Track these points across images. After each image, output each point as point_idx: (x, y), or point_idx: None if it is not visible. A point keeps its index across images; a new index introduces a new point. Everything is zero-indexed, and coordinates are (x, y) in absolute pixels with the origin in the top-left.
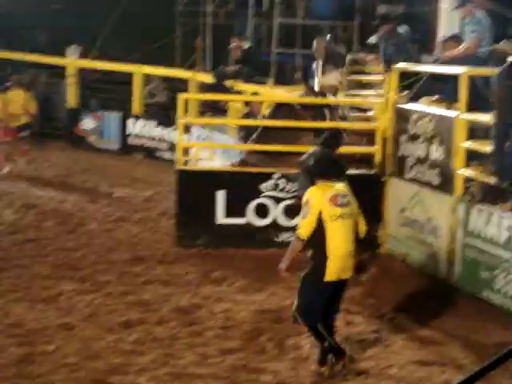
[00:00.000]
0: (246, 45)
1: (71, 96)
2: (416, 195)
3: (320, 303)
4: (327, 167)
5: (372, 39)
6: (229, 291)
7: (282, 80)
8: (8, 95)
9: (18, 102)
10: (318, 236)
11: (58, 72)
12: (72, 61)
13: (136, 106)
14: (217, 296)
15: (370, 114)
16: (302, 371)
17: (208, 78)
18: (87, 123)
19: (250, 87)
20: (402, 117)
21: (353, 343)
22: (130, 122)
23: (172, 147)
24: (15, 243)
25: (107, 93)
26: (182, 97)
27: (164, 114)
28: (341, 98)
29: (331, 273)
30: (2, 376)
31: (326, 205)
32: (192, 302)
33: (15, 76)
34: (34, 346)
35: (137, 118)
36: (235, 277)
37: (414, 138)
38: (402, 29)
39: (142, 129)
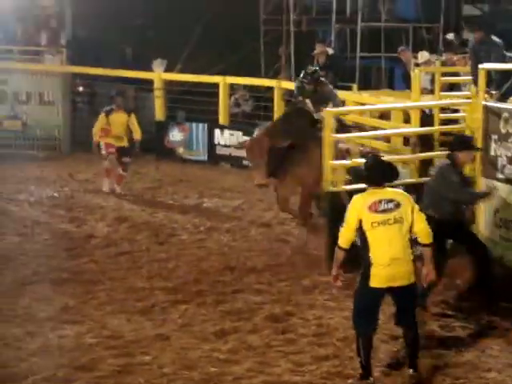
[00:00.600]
0: (330, 50)
1: (159, 109)
2: (510, 195)
3: (368, 311)
4: (373, 173)
5: (450, 36)
6: (321, 298)
7: (367, 84)
8: (110, 118)
9: (121, 125)
10: (363, 243)
11: (146, 86)
12: (158, 74)
13: (222, 116)
14: (309, 303)
15: (459, 114)
16: (396, 377)
17: (292, 86)
18: (175, 135)
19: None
20: (492, 116)
21: (449, 347)
22: (216, 132)
23: None
24: (109, 256)
25: (193, 104)
26: (328, 113)
27: (250, 122)
28: (430, 100)
29: (376, 279)
30: None
31: (364, 212)
32: (284, 310)
33: (119, 97)
34: (131, 356)
35: (223, 128)
36: (326, 284)
37: (505, 137)
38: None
39: (228, 138)
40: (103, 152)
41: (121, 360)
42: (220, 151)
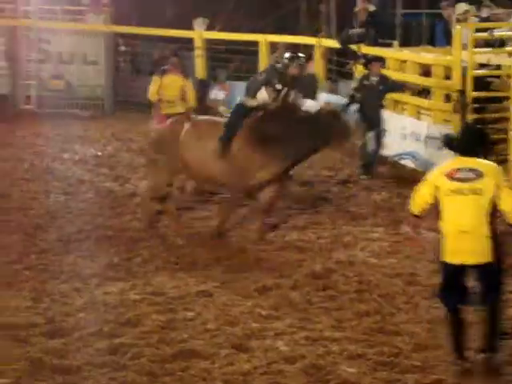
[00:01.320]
0: (371, 7)
1: (199, 68)
2: None
3: (449, 284)
4: (464, 140)
5: None
6: (361, 255)
7: (409, 41)
8: (164, 79)
9: (175, 89)
10: (438, 212)
11: (187, 45)
12: (199, 33)
13: None
14: (350, 260)
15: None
16: (437, 333)
17: (333, 43)
18: (216, 94)
19: (375, 50)
20: None
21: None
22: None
23: None
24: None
25: (234, 63)
26: None
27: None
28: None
29: (447, 253)
30: (146, 342)
31: (441, 179)
32: (325, 267)
33: (174, 58)
34: (174, 312)
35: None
36: (367, 241)
37: None
38: None
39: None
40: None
41: (164, 316)
42: None
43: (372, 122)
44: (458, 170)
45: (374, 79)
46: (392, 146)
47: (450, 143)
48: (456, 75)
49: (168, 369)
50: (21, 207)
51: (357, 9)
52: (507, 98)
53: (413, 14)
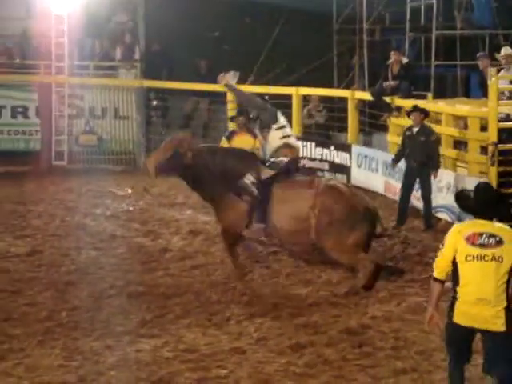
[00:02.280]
0: (405, 59)
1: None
2: None
3: (455, 344)
4: (483, 204)
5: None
6: (397, 311)
7: (443, 93)
8: (233, 142)
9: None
10: (454, 275)
11: (219, 99)
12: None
13: (295, 127)
14: (385, 316)
15: None
16: None
17: (366, 96)
18: None
19: (409, 102)
20: None
21: None
22: None
23: (332, 167)
24: (184, 269)
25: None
26: None
27: (323, 134)
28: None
29: (459, 316)
30: None
31: (461, 243)
32: (361, 323)
33: (241, 118)
34: (207, 370)
35: (296, 139)
36: (403, 296)
37: None
38: None
39: (302, 150)
40: None
41: (197, 374)
42: None
43: (416, 175)
44: (479, 234)
45: (415, 129)
46: None
47: (463, 203)
48: (492, 127)
49: None
50: (52, 264)
51: (390, 61)
52: None
53: (447, 66)
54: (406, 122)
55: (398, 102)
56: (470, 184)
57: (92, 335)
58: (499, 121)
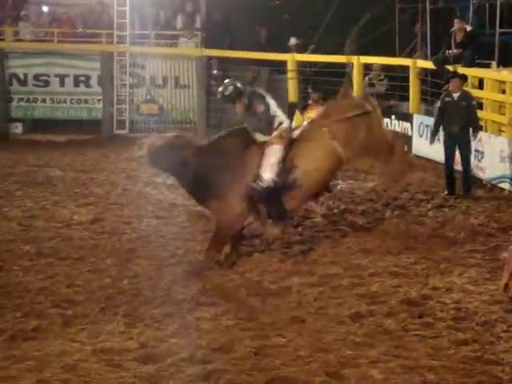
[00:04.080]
0: (468, 27)
1: (292, 90)
2: None
3: None
4: None
5: None
6: (459, 281)
7: (507, 61)
8: (305, 115)
9: None
10: None
11: (280, 68)
12: (292, 55)
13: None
14: (447, 286)
15: None
16: None
17: (429, 65)
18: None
19: (472, 71)
20: None
21: None
22: None
23: None
24: (244, 238)
25: (327, 85)
26: None
27: (385, 103)
28: None
29: None
30: (238, 369)
31: None
32: (421, 293)
33: (315, 94)
34: (267, 339)
35: None
36: (464, 267)
37: None
38: None
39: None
40: None
41: (257, 342)
42: None
43: (458, 140)
44: None
45: (456, 95)
46: (490, 169)
47: None
48: None
49: None
50: (114, 232)
51: (453, 29)
52: None
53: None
54: (469, 90)
55: (462, 70)
56: None
57: (153, 303)
58: None
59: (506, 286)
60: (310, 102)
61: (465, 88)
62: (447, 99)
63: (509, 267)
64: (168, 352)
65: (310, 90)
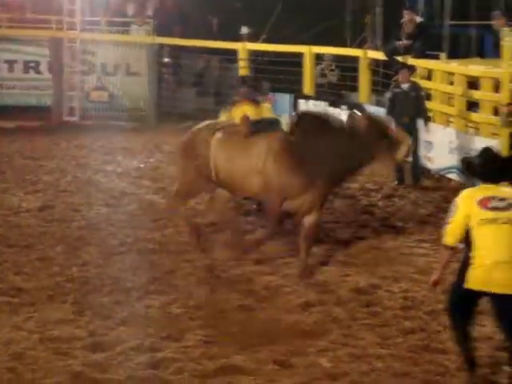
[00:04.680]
0: (418, 18)
1: None
2: None
3: (460, 309)
4: (489, 169)
5: None
6: (407, 271)
7: (457, 53)
8: (233, 114)
9: None
10: (468, 240)
11: (230, 56)
12: (243, 44)
13: (307, 86)
14: (395, 276)
15: None
16: (484, 352)
17: (379, 55)
18: None
19: (422, 62)
20: None
21: None
22: (301, 102)
23: None
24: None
25: (278, 74)
26: None
27: (335, 93)
28: None
29: (472, 281)
30: (188, 357)
31: (474, 208)
32: (369, 283)
33: (243, 89)
34: (216, 327)
35: (308, 98)
36: (412, 256)
37: None
38: None
39: (313, 109)
40: None
41: (206, 330)
42: None
43: (407, 131)
44: (491, 198)
45: (405, 86)
46: (439, 160)
47: (469, 169)
48: (505, 88)
49: None
50: (63, 219)
51: (403, 20)
52: None
53: (461, 26)
54: (418, 81)
55: (411, 61)
56: (481, 145)
57: (102, 291)
58: None
59: (435, 283)
60: (237, 98)
61: (413, 79)
62: (397, 90)
63: (441, 263)
64: (117, 340)
65: (238, 83)
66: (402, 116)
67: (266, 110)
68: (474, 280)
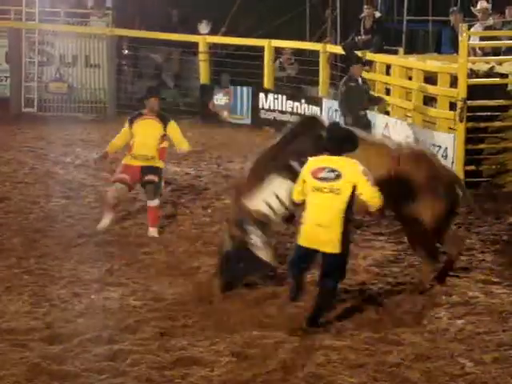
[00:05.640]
0: (377, 13)
1: (203, 72)
2: None
3: (297, 261)
4: (331, 140)
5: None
6: (364, 264)
7: (414, 48)
8: (135, 127)
9: (152, 138)
10: (303, 203)
11: (191, 49)
12: (203, 37)
13: (267, 79)
14: (352, 268)
15: None
16: (440, 343)
17: (338, 50)
18: (219, 99)
19: (380, 57)
20: None
21: (493, 314)
22: (261, 96)
23: None
24: None
25: (238, 68)
26: None
27: (295, 87)
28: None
29: (302, 238)
30: (145, 349)
31: (308, 176)
32: None
33: (152, 98)
34: (174, 319)
35: (268, 91)
36: (369, 250)
37: None
38: None
39: (273, 102)
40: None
41: (164, 322)
42: (264, 115)
43: (364, 123)
44: (322, 169)
45: (359, 80)
46: None
47: (322, 142)
48: (461, 83)
49: (167, 376)
50: (21, 211)
51: (363, 15)
52: None
53: (419, 21)
54: (377, 76)
55: (370, 56)
56: (439, 140)
57: (60, 283)
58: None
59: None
60: (144, 110)
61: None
62: (351, 84)
63: None
64: (74, 332)
65: (147, 96)
66: (358, 109)
67: (173, 129)
68: (303, 238)
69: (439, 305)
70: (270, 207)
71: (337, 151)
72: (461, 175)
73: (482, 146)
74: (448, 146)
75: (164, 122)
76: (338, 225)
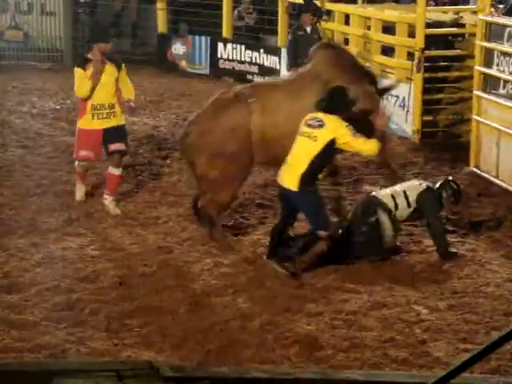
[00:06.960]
0: None
1: (161, 21)
2: None
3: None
4: (327, 100)
5: None
6: None
7: None
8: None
9: (107, 85)
10: None
11: None
12: None
13: (225, 29)
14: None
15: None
16: (396, 291)
17: None
18: (177, 48)
19: (339, 7)
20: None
21: (448, 262)
22: (219, 45)
23: (261, 70)
24: None
25: (197, 17)
26: None
27: (253, 36)
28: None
29: (277, 175)
30: (104, 298)
31: (302, 125)
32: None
33: (100, 44)
34: (133, 269)
35: (226, 41)
36: (328, 199)
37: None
38: None
39: (231, 52)
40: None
41: (122, 272)
42: (223, 65)
43: None
44: (312, 118)
45: (308, 29)
46: None
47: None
48: (419, 33)
49: (127, 325)
50: None
51: None
52: (470, 57)
53: None
54: (336, 26)
55: (328, 5)
56: (396, 89)
57: (17, 233)
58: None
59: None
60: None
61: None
62: (299, 33)
63: None
64: (32, 281)
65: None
66: (304, 58)
67: (124, 74)
68: (278, 175)
69: (396, 253)
70: None
71: (331, 111)
72: (418, 125)
73: (439, 96)
74: (405, 95)
75: (117, 65)
76: (301, 166)
